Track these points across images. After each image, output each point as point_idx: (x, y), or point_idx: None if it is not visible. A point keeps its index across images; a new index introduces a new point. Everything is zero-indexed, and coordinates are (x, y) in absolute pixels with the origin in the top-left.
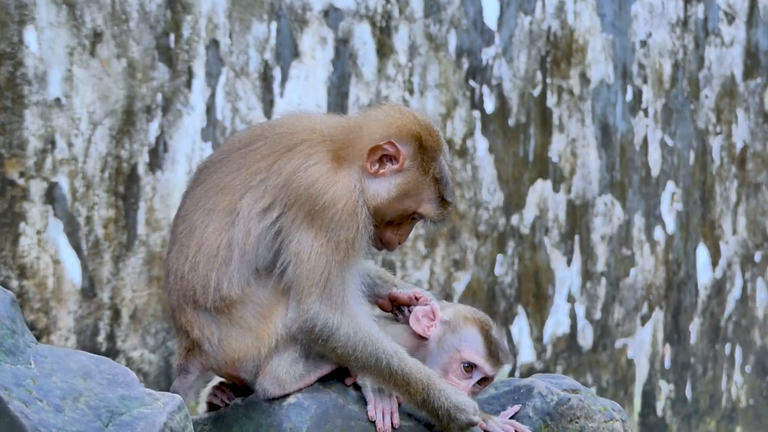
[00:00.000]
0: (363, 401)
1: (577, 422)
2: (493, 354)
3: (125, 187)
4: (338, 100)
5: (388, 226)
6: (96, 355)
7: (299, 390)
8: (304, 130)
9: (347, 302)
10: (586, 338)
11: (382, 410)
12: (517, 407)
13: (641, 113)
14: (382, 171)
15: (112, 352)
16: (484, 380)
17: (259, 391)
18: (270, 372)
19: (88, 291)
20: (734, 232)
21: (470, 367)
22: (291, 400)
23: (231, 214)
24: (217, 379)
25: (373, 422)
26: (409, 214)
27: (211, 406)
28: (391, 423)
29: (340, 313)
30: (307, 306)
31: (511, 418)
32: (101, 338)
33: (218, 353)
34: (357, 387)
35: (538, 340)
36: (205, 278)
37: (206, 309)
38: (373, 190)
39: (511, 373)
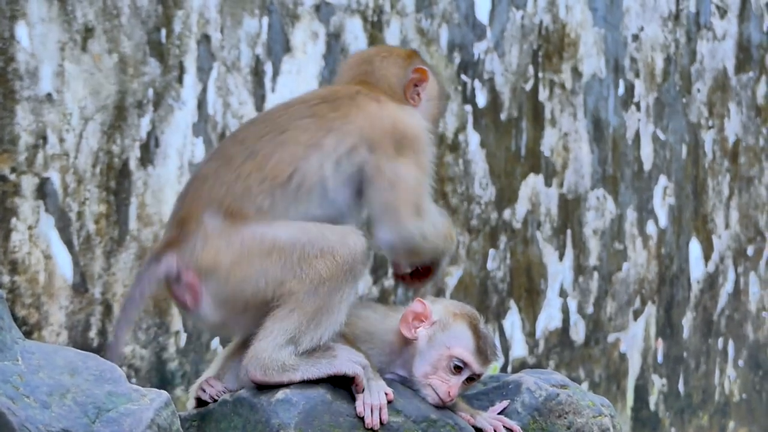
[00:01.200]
0: (351, 397)
1: (565, 418)
2: (482, 351)
3: (117, 183)
4: None
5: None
6: (83, 352)
7: (286, 386)
8: (345, 89)
9: (433, 211)
10: (578, 333)
11: (371, 406)
12: (505, 403)
13: (633, 107)
14: (419, 99)
15: (104, 348)
16: (473, 378)
17: (241, 373)
18: (254, 354)
19: (80, 286)
20: (727, 226)
21: (459, 364)
22: (279, 395)
23: (309, 149)
24: (205, 375)
25: (362, 418)
26: (441, 111)
27: (199, 402)
28: (380, 419)
29: (430, 223)
30: (408, 222)
31: (499, 413)
32: (93, 334)
33: (200, 254)
34: (346, 383)
35: (530, 334)
36: (247, 189)
37: (224, 214)
38: (424, 117)
39: (504, 368)
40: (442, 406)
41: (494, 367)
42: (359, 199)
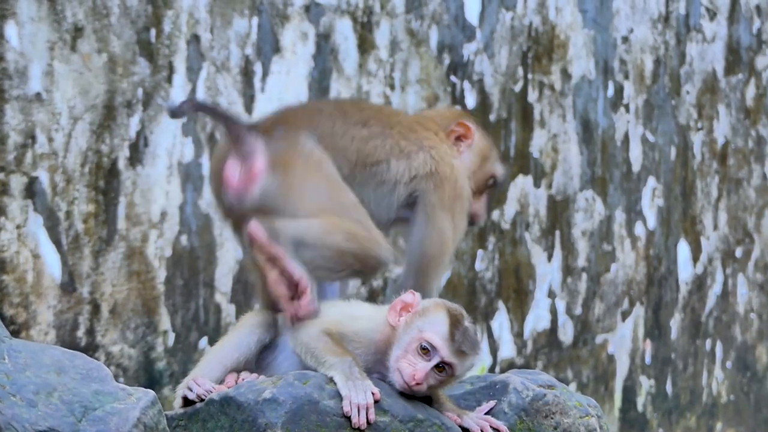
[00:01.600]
0: (338, 396)
1: (552, 418)
2: (455, 340)
3: (105, 182)
4: (319, 95)
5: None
6: (70, 350)
7: (273, 384)
8: (440, 119)
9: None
10: (566, 333)
11: (357, 406)
12: (492, 403)
13: (622, 109)
14: (459, 150)
15: (92, 347)
16: (445, 368)
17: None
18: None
19: (68, 286)
20: (715, 227)
21: (428, 348)
22: (266, 395)
23: (401, 153)
24: (192, 375)
25: (349, 418)
26: (487, 178)
27: (186, 402)
28: (367, 418)
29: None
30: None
31: (486, 413)
32: (81, 333)
33: (280, 152)
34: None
35: (518, 335)
36: (345, 146)
37: (317, 143)
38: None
39: (492, 369)
40: (410, 391)
41: (482, 368)
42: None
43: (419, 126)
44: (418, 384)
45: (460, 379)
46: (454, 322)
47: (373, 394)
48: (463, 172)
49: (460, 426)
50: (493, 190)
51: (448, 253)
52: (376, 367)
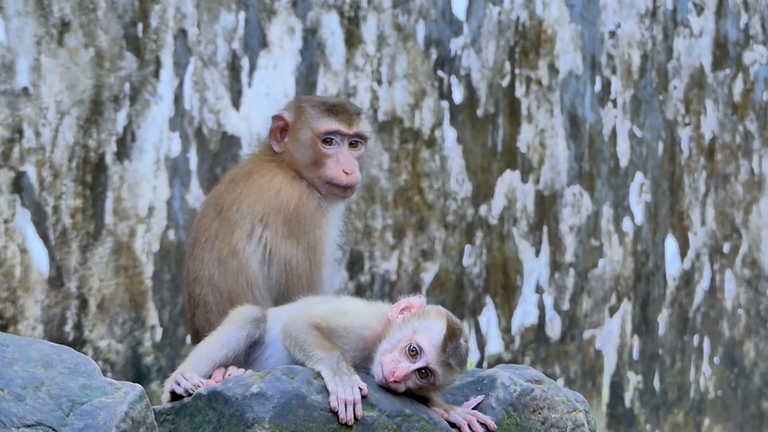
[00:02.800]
0: (326, 391)
1: (540, 413)
2: (445, 351)
3: (93, 177)
4: (306, 89)
5: (318, 169)
6: (58, 345)
7: (261, 378)
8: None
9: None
10: (554, 329)
11: (345, 401)
12: (480, 398)
13: (610, 104)
14: (283, 144)
15: (79, 342)
16: (428, 375)
17: None
18: None
19: (56, 280)
20: (703, 223)
21: (416, 350)
22: (254, 389)
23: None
24: (180, 369)
25: (336, 413)
26: (314, 139)
27: (174, 396)
28: (354, 414)
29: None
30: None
31: (474, 408)
32: (68, 328)
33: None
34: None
35: (506, 330)
36: None
37: None
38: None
39: (479, 364)
40: (387, 387)
41: (470, 363)
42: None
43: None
44: (396, 382)
45: (439, 391)
46: (451, 333)
47: (360, 389)
48: (301, 190)
49: (447, 421)
50: (347, 144)
51: (305, 272)
52: (364, 363)
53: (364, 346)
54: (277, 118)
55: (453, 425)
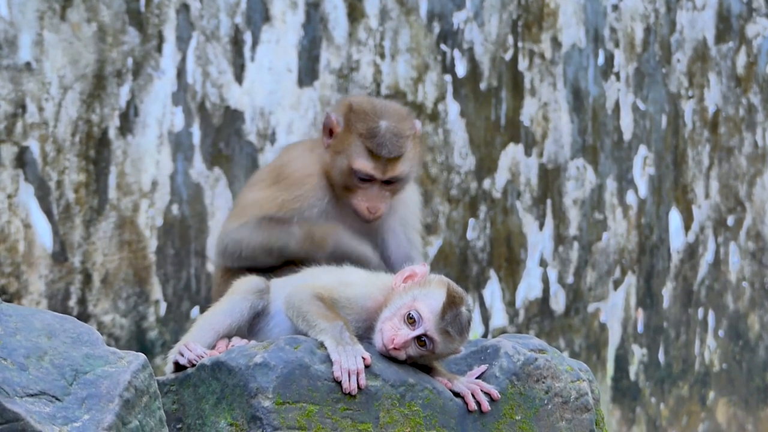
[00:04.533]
0: (329, 361)
1: (543, 382)
2: (445, 318)
3: (96, 152)
4: (309, 64)
5: (348, 193)
6: (60, 314)
7: (264, 349)
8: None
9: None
10: (558, 302)
11: (348, 371)
12: (483, 367)
13: (613, 77)
14: (327, 143)
15: (84, 317)
16: (426, 343)
17: None
18: None
19: (59, 255)
20: (707, 196)
21: (415, 318)
22: (257, 359)
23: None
24: (183, 340)
25: (339, 382)
26: (347, 171)
27: (177, 367)
28: (357, 383)
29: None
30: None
31: (477, 378)
32: (72, 302)
33: None
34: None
35: (510, 304)
36: None
37: None
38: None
39: (484, 336)
40: (387, 354)
41: (474, 335)
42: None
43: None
44: (395, 349)
45: (441, 360)
46: (450, 301)
47: (363, 359)
48: (308, 163)
49: (450, 390)
50: (379, 185)
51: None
52: (367, 333)
53: (367, 317)
54: (327, 118)
55: (457, 395)
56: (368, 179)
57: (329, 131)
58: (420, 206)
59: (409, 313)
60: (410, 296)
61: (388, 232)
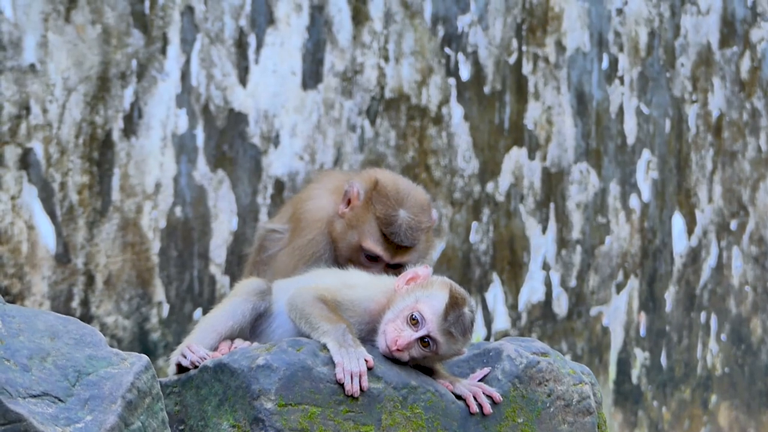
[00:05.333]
0: (332, 363)
1: (546, 385)
2: (447, 319)
3: (100, 153)
4: (313, 66)
5: (349, 263)
6: (64, 316)
7: (267, 351)
8: None
9: None
10: (561, 306)
11: (350, 373)
12: (486, 370)
13: (617, 81)
14: (343, 211)
15: (86, 318)
16: (430, 344)
17: None
18: None
19: (62, 257)
20: (710, 200)
21: (418, 319)
22: (260, 361)
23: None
24: (186, 342)
25: (342, 385)
26: (355, 247)
27: (180, 369)
28: (360, 385)
29: None
30: None
31: (479, 380)
32: (75, 304)
33: None
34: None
35: (512, 307)
36: None
37: None
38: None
39: (486, 340)
40: (391, 356)
41: (477, 338)
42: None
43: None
44: (399, 350)
45: (443, 361)
46: (453, 302)
47: (366, 361)
48: (321, 219)
49: (453, 393)
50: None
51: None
52: (370, 336)
53: (369, 319)
54: (350, 188)
55: (459, 397)
56: (375, 259)
57: (348, 200)
58: (434, 246)
59: (412, 315)
60: (413, 298)
61: None
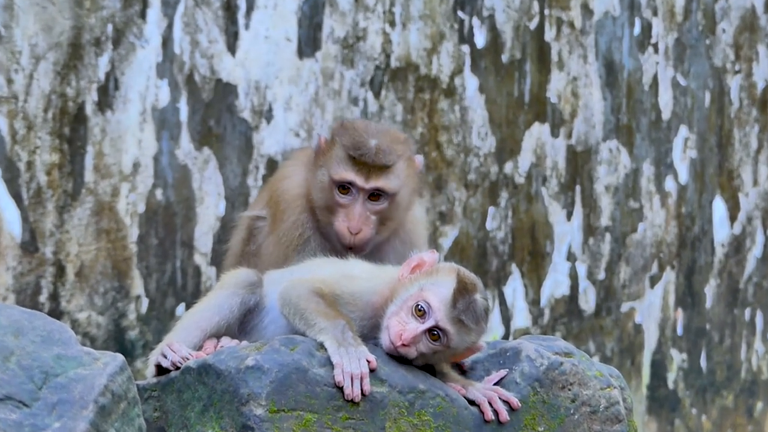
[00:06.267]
0: (330, 364)
1: (569, 389)
2: (457, 307)
3: (71, 129)
4: (310, 32)
5: (330, 216)
6: (29, 310)
7: (257, 350)
8: None
9: None
10: (588, 301)
11: (351, 375)
12: (503, 372)
13: (651, 49)
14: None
15: (56, 314)
16: (440, 336)
17: None
18: None
19: (29, 245)
20: (755, 182)
21: (424, 309)
22: (249, 362)
23: None
24: (166, 339)
25: (341, 388)
26: (327, 186)
27: (160, 370)
28: (361, 389)
29: None
30: None
31: (495, 384)
32: (43, 298)
33: None
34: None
35: (534, 302)
36: None
37: None
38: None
39: (504, 338)
40: (396, 352)
41: (493, 336)
42: None
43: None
44: (404, 345)
45: (457, 355)
46: (462, 288)
47: (368, 362)
48: (299, 196)
49: (465, 398)
50: (365, 196)
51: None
52: (373, 333)
53: (373, 314)
54: (318, 138)
55: (472, 402)
56: (349, 190)
57: (317, 153)
58: (425, 232)
59: (417, 305)
60: (417, 287)
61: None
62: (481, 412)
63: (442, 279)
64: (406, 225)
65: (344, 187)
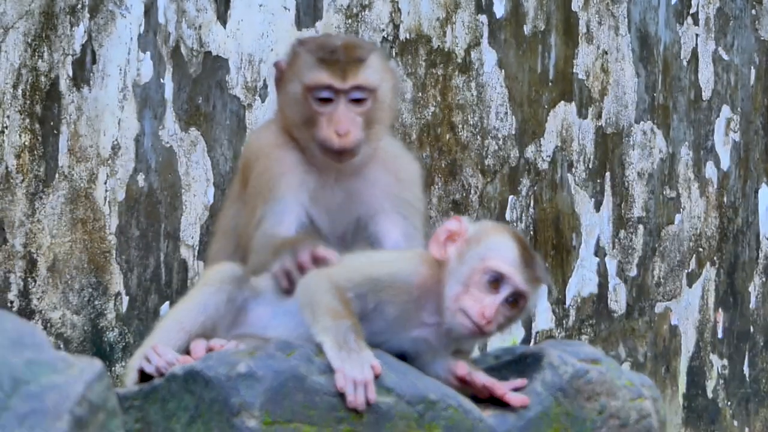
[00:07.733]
0: (331, 371)
1: (596, 400)
2: (526, 263)
3: (43, 107)
4: (310, 0)
5: (312, 129)
6: None
7: (250, 355)
8: None
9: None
10: (618, 301)
11: (353, 381)
12: (520, 381)
13: (689, 20)
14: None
15: (26, 312)
16: (517, 301)
17: None
18: None
19: None
20: None
21: (497, 279)
22: (241, 368)
23: None
24: (149, 342)
25: (343, 395)
26: (301, 97)
27: (142, 376)
28: (366, 397)
29: None
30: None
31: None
32: (12, 295)
33: None
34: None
35: (558, 302)
36: None
37: None
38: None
39: (525, 343)
40: (480, 334)
41: (513, 340)
42: None
43: None
44: (489, 322)
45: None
46: (520, 243)
47: (373, 367)
48: (268, 144)
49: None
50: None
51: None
52: (419, 316)
53: (418, 295)
54: (275, 66)
55: (474, 397)
56: (328, 95)
57: (278, 83)
58: (420, 184)
59: (489, 276)
60: (473, 258)
61: (381, 218)
62: (482, 391)
63: (497, 241)
64: (388, 149)
65: (322, 98)
